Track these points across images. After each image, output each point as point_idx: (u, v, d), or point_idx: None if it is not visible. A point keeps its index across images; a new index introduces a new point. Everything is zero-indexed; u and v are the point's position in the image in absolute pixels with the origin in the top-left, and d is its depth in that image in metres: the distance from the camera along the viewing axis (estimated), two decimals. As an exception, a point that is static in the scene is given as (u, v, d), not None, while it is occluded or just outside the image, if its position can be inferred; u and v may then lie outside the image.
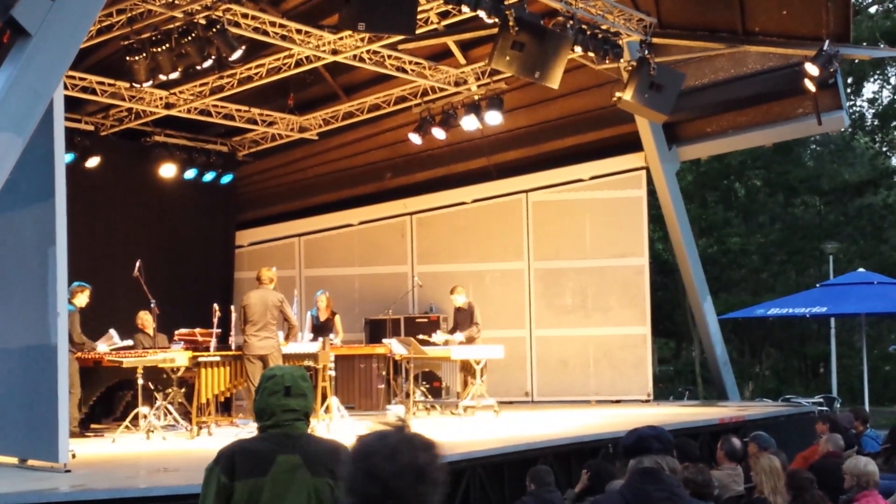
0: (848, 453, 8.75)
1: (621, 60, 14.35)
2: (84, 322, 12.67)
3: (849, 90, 28.96)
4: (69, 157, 14.33)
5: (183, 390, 12.57)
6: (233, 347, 12.84)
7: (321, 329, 14.29)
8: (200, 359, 12.23)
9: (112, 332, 12.99)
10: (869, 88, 32.02)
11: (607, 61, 14.02)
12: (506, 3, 12.23)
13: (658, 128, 16.47)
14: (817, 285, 20.51)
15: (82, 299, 12.42)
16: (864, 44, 25.42)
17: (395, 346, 14.50)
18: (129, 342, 13.02)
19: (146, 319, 13.67)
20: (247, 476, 3.79)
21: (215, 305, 12.71)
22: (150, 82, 13.47)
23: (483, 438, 11.37)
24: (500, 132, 17.02)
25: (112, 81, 14.75)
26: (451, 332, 15.10)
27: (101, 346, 12.71)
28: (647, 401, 16.93)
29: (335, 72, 16.44)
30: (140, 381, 12.02)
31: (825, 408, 17.41)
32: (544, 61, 12.64)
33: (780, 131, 16.79)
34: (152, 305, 13.31)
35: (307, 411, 3.99)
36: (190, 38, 12.55)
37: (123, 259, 14.63)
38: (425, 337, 14.91)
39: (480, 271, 17.58)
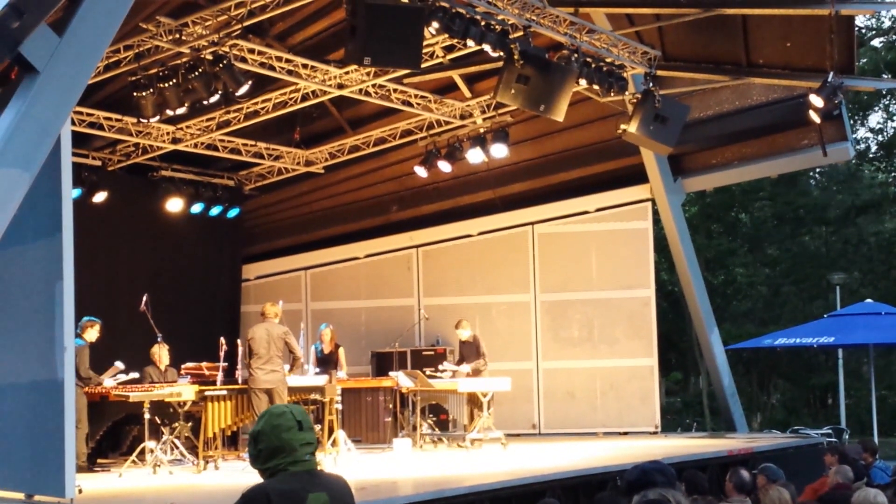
0: (857, 485, 8.70)
1: (626, 93, 14.42)
2: (91, 356, 12.64)
3: (852, 121, 28.99)
4: (76, 193, 14.41)
5: (189, 424, 12.53)
6: (239, 381, 12.82)
7: (325, 362, 14.30)
8: (207, 393, 12.21)
9: (118, 363, 12.95)
10: (873, 119, 32.04)
11: (612, 94, 14.09)
12: (511, 36, 12.31)
13: (663, 160, 16.50)
14: (825, 315, 20.46)
15: (92, 334, 12.39)
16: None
17: (401, 379, 14.50)
18: (136, 374, 12.99)
19: (161, 353, 13.59)
20: None
21: (222, 339, 12.71)
22: (157, 117, 13.57)
23: (490, 471, 11.32)
24: (506, 165, 17.06)
25: (119, 117, 14.83)
26: (458, 364, 15.12)
27: (108, 381, 12.66)
28: (654, 433, 16.86)
29: (341, 106, 16.54)
30: (147, 416, 12.01)
31: (834, 439, 17.29)
32: (549, 94, 12.70)
33: (786, 163, 16.80)
34: (159, 339, 13.31)
35: (316, 445, 4.00)
36: (197, 73, 12.64)
37: (130, 293, 14.66)
38: (432, 372, 14.91)
39: (487, 304, 17.57)
